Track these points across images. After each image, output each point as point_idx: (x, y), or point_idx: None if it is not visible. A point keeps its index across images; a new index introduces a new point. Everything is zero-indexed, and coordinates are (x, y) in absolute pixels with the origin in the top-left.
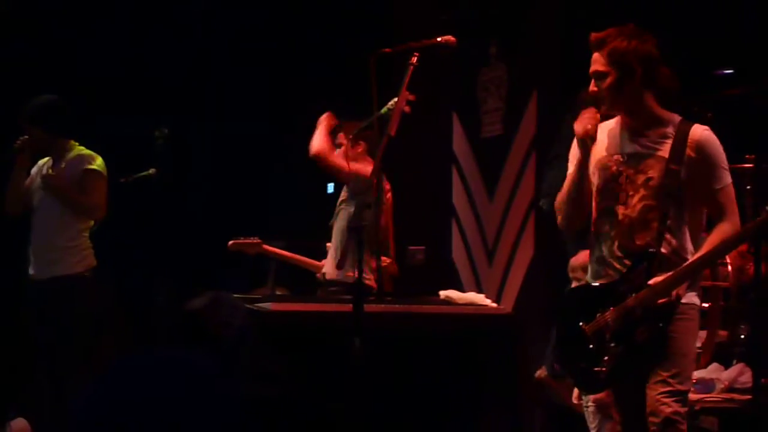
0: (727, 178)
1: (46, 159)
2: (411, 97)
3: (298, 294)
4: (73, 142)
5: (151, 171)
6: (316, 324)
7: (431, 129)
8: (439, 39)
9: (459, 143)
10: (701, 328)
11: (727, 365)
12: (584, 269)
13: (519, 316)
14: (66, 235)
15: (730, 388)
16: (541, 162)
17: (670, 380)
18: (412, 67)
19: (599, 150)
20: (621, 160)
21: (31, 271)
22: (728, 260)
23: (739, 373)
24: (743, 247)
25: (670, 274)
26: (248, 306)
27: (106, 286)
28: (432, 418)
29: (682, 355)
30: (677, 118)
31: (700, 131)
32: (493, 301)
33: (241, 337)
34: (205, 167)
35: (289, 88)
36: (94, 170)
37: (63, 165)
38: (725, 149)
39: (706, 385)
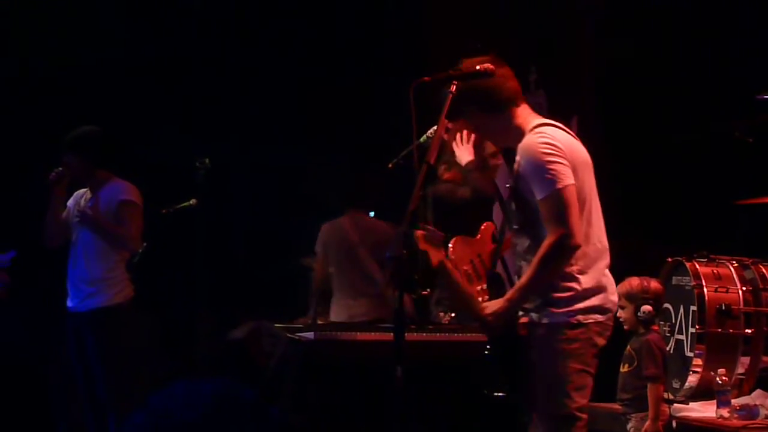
0: (552, 186)
1: (84, 190)
2: (450, 126)
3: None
4: (109, 173)
5: (192, 201)
6: (357, 353)
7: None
8: (478, 67)
9: (500, 170)
10: (744, 354)
11: None
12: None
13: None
14: (103, 267)
15: None
16: None
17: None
18: (451, 95)
19: None
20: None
21: (69, 304)
22: None
23: None
24: None
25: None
26: (290, 335)
27: (146, 317)
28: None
29: (542, 378)
30: (532, 124)
31: (527, 135)
32: None
33: (283, 366)
34: (245, 197)
35: (328, 118)
36: (129, 201)
37: (99, 196)
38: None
39: (750, 411)
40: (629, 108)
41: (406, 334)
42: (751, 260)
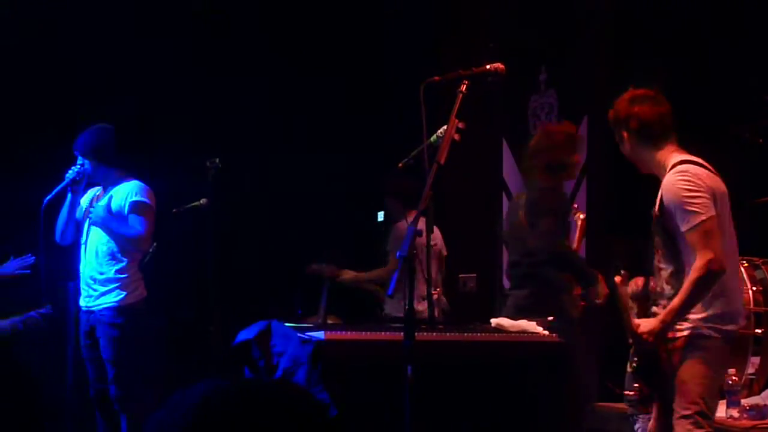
0: (697, 218)
1: (96, 189)
2: (460, 125)
3: (350, 323)
4: (123, 171)
5: (203, 201)
6: (368, 353)
7: (481, 157)
8: (488, 66)
9: (509, 170)
10: (755, 355)
11: None
12: (635, 297)
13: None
14: (116, 267)
15: None
16: (592, 188)
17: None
18: (461, 94)
19: None
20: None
21: (82, 303)
22: None
23: None
24: None
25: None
26: (300, 335)
27: (158, 317)
28: None
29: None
30: (674, 161)
31: (669, 173)
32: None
33: (293, 366)
34: (256, 197)
35: (338, 118)
36: (142, 202)
37: (112, 196)
38: None
39: (760, 411)
40: None
41: (417, 334)
42: (761, 260)
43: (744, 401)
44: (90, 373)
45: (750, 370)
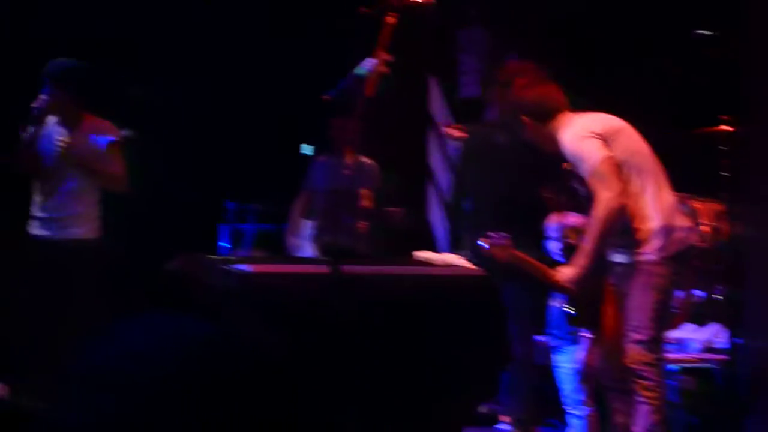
0: (589, 164)
1: (53, 121)
2: (388, 58)
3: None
4: (86, 110)
5: (127, 133)
6: (295, 285)
7: (408, 90)
8: None
9: (436, 105)
10: (677, 289)
11: (702, 325)
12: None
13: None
14: (87, 201)
15: (706, 348)
16: None
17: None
18: (389, 27)
19: None
20: None
21: (42, 232)
22: (704, 221)
23: (714, 334)
24: (719, 208)
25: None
26: (227, 268)
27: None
28: (411, 380)
29: (637, 308)
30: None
31: (561, 132)
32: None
33: (220, 300)
34: (173, 127)
35: (261, 47)
36: (117, 142)
37: (84, 135)
38: (703, 111)
39: (683, 345)
40: (568, 44)
41: (343, 267)
42: (684, 194)
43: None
44: (35, 302)
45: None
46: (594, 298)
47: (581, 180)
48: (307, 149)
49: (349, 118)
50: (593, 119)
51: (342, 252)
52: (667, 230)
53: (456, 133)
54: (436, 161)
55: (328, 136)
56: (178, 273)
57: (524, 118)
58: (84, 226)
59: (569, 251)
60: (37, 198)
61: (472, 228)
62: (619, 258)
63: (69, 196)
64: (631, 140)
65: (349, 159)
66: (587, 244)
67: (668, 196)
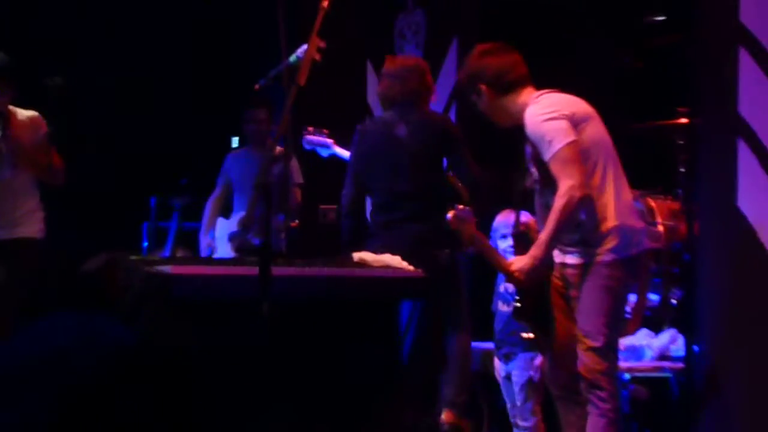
0: (554, 147)
1: None
2: (322, 44)
3: (201, 256)
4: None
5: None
6: (220, 288)
7: (344, 79)
8: None
9: (373, 93)
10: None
11: (657, 332)
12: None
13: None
14: (32, 199)
15: (660, 356)
16: (465, 116)
17: (584, 339)
18: (323, 11)
19: None
20: None
21: None
22: (659, 220)
23: (670, 341)
24: (675, 206)
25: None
26: (147, 269)
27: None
28: (344, 386)
29: (590, 312)
30: (531, 99)
31: (527, 109)
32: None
33: (139, 302)
34: (99, 118)
35: (191, 39)
36: (48, 133)
37: (19, 128)
38: (659, 102)
39: (636, 352)
40: (512, 31)
41: (273, 269)
42: (639, 192)
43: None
44: None
45: (626, 309)
46: (540, 297)
47: (539, 164)
48: (237, 142)
49: (265, 108)
50: (562, 99)
51: (261, 252)
52: (625, 230)
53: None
54: None
55: (245, 128)
56: (96, 273)
57: (482, 86)
58: (32, 226)
59: (521, 248)
60: None
61: (380, 227)
62: (570, 258)
63: (17, 193)
64: (597, 129)
65: (266, 152)
66: (543, 235)
67: (627, 194)
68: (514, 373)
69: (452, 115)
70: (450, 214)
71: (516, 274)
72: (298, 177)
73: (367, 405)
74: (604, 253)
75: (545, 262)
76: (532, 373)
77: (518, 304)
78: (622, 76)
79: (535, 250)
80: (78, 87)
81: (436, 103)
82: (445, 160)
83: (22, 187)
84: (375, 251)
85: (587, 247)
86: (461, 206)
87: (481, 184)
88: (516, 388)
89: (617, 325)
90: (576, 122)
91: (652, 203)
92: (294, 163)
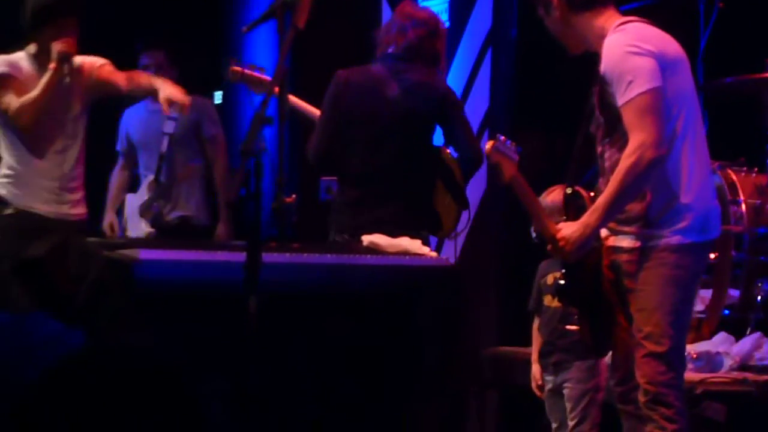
0: (633, 90)
1: None
2: None
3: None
4: None
5: None
6: (199, 277)
7: (353, 20)
8: None
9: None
10: (705, 287)
11: (738, 335)
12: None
13: (465, 269)
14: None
15: (742, 366)
16: (499, 64)
17: (645, 342)
18: None
19: None
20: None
21: None
22: (742, 197)
23: (754, 346)
24: (761, 181)
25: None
26: (107, 253)
27: None
28: (350, 397)
29: (652, 309)
30: (616, 23)
31: (609, 35)
32: (432, 249)
33: (96, 294)
34: None
35: None
36: None
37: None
38: (740, 51)
39: (711, 361)
40: None
41: (264, 254)
42: (717, 163)
43: (690, 347)
44: None
45: (699, 306)
46: (593, 279)
47: (607, 108)
48: (220, 97)
49: (162, 50)
50: (653, 33)
51: (250, 235)
52: (701, 210)
53: None
54: None
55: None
56: (42, 260)
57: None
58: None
59: (571, 213)
60: None
61: (347, 205)
62: (625, 241)
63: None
64: (686, 79)
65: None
66: (602, 199)
67: (706, 165)
68: (566, 385)
69: (487, 66)
70: (489, 145)
71: (561, 242)
72: (206, 125)
73: (380, 416)
74: (670, 235)
75: (598, 236)
76: (590, 385)
77: (562, 282)
78: (696, 17)
79: (588, 217)
80: None
81: (468, 50)
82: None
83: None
84: (339, 234)
85: (649, 227)
86: (503, 137)
87: (480, 161)
88: (568, 405)
89: (685, 325)
90: (665, 65)
91: (734, 177)
92: (199, 108)
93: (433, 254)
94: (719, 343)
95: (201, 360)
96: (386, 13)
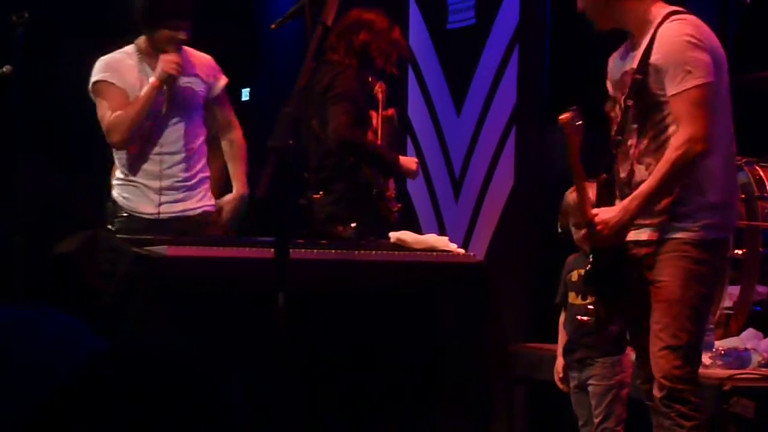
0: (689, 82)
1: None
2: None
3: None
4: None
5: (6, 69)
6: (227, 275)
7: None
8: None
9: (417, 37)
10: (733, 283)
11: (767, 332)
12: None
13: (492, 265)
14: None
15: None
16: (527, 59)
17: (661, 335)
18: None
19: None
20: (612, 87)
21: None
22: None
23: None
24: None
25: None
26: (136, 250)
27: None
28: (378, 393)
29: (672, 302)
30: (665, 11)
31: (666, 23)
32: (460, 246)
33: (125, 291)
34: (74, 61)
35: None
36: None
37: None
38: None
39: (739, 357)
40: None
41: (291, 251)
42: (744, 159)
43: (718, 344)
44: None
45: (726, 303)
46: (620, 269)
47: (644, 96)
48: (247, 94)
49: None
50: (709, 30)
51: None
52: (729, 208)
53: None
54: (416, 111)
55: None
56: (69, 257)
57: None
58: None
59: (605, 199)
60: None
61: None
62: (644, 234)
63: None
64: (726, 80)
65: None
66: (645, 186)
67: (734, 163)
68: (590, 382)
69: (514, 62)
70: (566, 116)
71: (600, 226)
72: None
73: (403, 417)
74: (695, 230)
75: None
76: (613, 382)
77: (589, 267)
78: (725, 12)
79: (630, 203)
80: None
81: (494, 48)
82: None
83: None
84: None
85: (673, 220)
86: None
87: None
88: (593, 402)
89: (703, 322)
90: (719, 63)
91: (761, 173)
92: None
93: (461, 251)
94: (747, 339)
95: (229, 358)
96: (413, 11)
